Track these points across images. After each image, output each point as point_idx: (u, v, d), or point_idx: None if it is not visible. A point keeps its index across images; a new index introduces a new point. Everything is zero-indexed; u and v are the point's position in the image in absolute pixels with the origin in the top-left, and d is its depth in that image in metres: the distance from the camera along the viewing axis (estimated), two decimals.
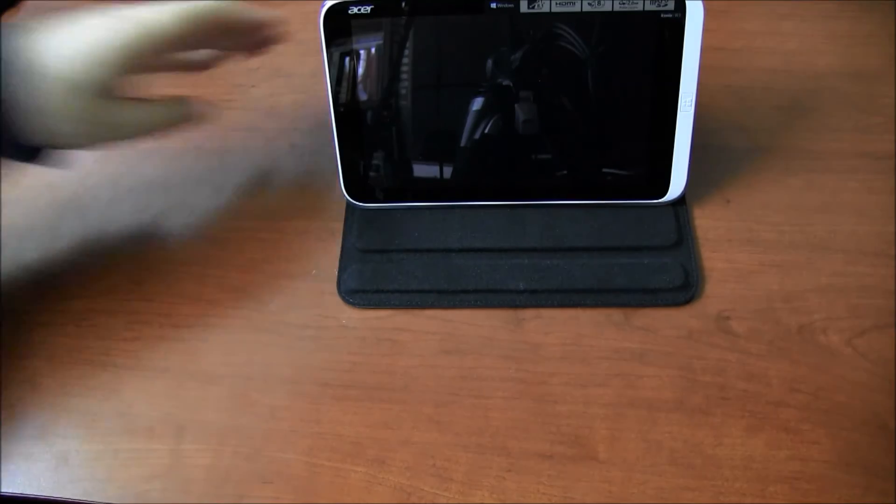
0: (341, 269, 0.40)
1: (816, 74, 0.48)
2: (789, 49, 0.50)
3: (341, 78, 0.40)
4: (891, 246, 0.39)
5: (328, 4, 0.38)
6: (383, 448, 0.34)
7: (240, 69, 0.45)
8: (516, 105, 0.40)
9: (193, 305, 0.40)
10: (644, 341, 0.37)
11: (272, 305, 0.40)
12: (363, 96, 0.40)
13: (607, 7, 0.37)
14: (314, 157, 0.45)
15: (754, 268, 0.39)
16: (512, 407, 0.35)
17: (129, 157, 0.41)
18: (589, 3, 0.37)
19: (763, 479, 0.32)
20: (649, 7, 0.37)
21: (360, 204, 0.43)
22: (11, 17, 0.59)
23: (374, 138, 0.41)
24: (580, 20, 0.38)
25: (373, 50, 0.39)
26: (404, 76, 0.40)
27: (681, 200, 0.42)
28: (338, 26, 0.38)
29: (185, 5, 0.35)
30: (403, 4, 0.38)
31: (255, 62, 0.42)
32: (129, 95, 0.35)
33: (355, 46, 0.39)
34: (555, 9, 0.37)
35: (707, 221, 0.41)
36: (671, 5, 0.37)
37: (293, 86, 0.48)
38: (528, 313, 0.38)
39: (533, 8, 0.37)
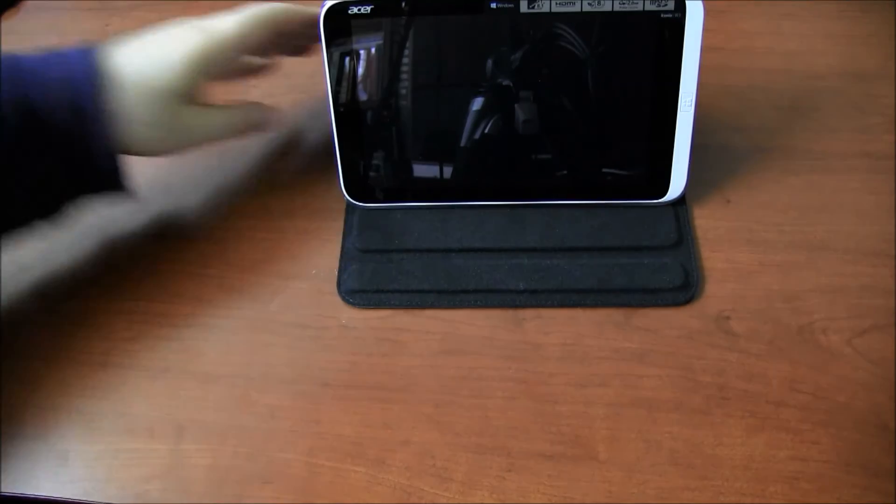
0: (341, 269, 0.40)
1: (816, 74, 0.48)
2: (789, 49, 0.50)
3: (341, 78, 0.40)
4: (891, 246, 0.39)
5: (328, 4, 0.38)
6: (383, 448, 0.34)
7: None
8: (516, 105, 0.40)
9: (193, 305, 0.40)
10: (644, 341, 0.37)
11: (272, 305, 0.40)
12: (363, 96, 0.40)
13: (607, 7, 0.37)
14: (314, 157, 0.45)
15: (754, 268, 0.39)
16: (512, 407, 0.35)
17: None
18: (589, 3, 0.37)
19: (763, 479, 0.32)
20: (649, 7, 0.37)
21: (360, 204, 0.43)
22: (11, 17, 0.59)
23: (374, 138, 0.41)
24: (580, 20, 0.38)
25: (373, 50, 0.39)
26: (404, 76, 0.40)
27: (681, 200, 0.42)
28: (338, 26, 0.38)
29: (244, 11, 0.38)
30: (403, 4, 0.38)
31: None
32: (205, 102, 0.38)
33: (355, 46, 0.39)
34: (555, 9, 0.37)
35: (707, 221, 0.41)
36: (671, 5, 0.37)
37: (293, 86, 0.48)
38: (528, 313, 0.38)
39: (533, 8, 0.37)
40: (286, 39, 0.40)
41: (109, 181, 0.37)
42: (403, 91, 0.40)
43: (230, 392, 0.37)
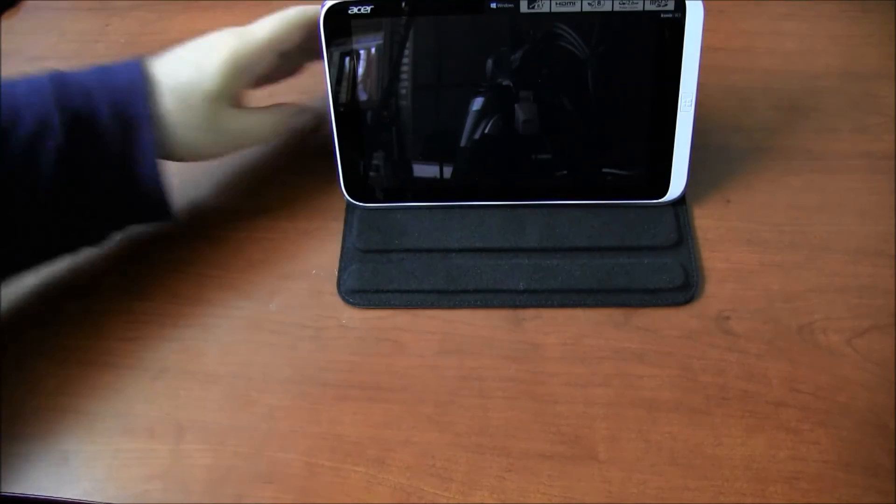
0: (341, 269, 0.40)
1: (816, 74, 0.48)
2: (789, 49, 0.50)
3: (341, 78, 0.40)
4: (891, 246, 0.39)
5: (328, 4, 0.38)
6: (383, 448, 0.34)
7: None
8: (516, 105, 0.40)
9: (193, 305, 0.40)
10: (644, 341, 0.37)
11: (272, 305, 0.40)
12: (363, 96, 0.40)
13: (607, 7, 0.37)
14: (314, 157, 0.45)
15: (754, 268, 0.39)
16: (512, 407, 0.35)
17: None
18: (589, 3, 0.37)
19: (763, 479, 0.32)
20: (649, 7, 0.37)
21: (360, 204, 0.43)
22: (11, 17, 0.60)
23: (374, 138, 0.41)
24: (580, 20, 0.38)
25: (373, 50, 0.39)
26: (404, 76, 0.40)
27: (681, 200, 0.42)
28: (338, 26, 0.38)
29: (277, 14, 0.39)
30: (403, 4, 0.38)
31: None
32: (246, 104, 0.40)
33: (355, 46, 0.39)
34: (555, 9, 0.37)
35: (707, 221, 0.41)
36: (671, 5, 0.37)
37: (293, 86, 0.48)
38: (528, 313, 0.38)
39: (533, 8, 0.37)
40: (315, 43, 0.41)
41: (154, 192, 0.38)
42: (403, 91, 0.40)
43: (230, 392, 0.37)
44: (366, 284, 0.39)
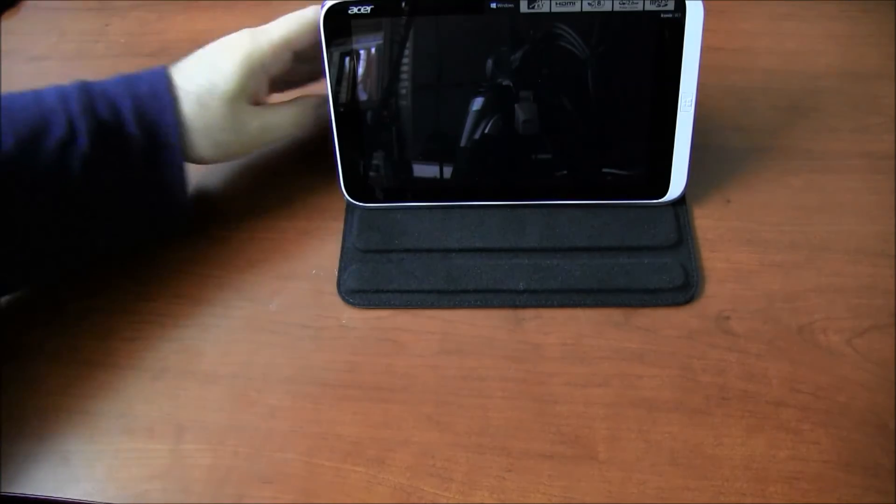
0: (341, 269, 0.40)
1: (816, 74, 0.48)
2: (789, 49, 0.50)
3: (341, 78, 0.40)
4: (891, 246, 0.39)
5: (328, 4, 0.38)
6: (383, 448, 0.34)
7: None
8: (516, 105, 0.40)
9: (193, 305, 0.40)
10: (644, 341, 0.37)
11: (272, 305, 0.40)
12: (363, 96, 0.40)
13: (607, 7, 0.37)
14: (314, 157, 0.45)
15: (754, 268, 0.39)
16: (512, 407, 0.35)
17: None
18: (589, 3, 0.37)
19: (763, 479, 0.32)
20: (649, 7, 0.37)
21: (360, 204, 0.43)
22: (11, 17, 0.60)
23: (374, 138, 0.41)
24: (580, 20, 0.38)
25: (373, 50, 0.39)
26: (404, 76, 0.40)
27: (681, 200, 0.42)
28: (338, 26, 0.38)
29: (292, 14, 0.39)
30: (403, 4, 0.38)
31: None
32: (266, 102, 0.41)
33: (355, 46, 0.39)
34: (555, 9, 0.37)
35: (707, 221, 0.41)
36: (671, 5, 0.37)
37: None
38: (528, 313, 0.38)
39: (533, 8, 0.37)
40: None
41: (177, 195, 0.39)
42: (403, 91, 0.40)
43: (230, 392, 0.37)
44: (366, 284, 0.40)
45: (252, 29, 0.39)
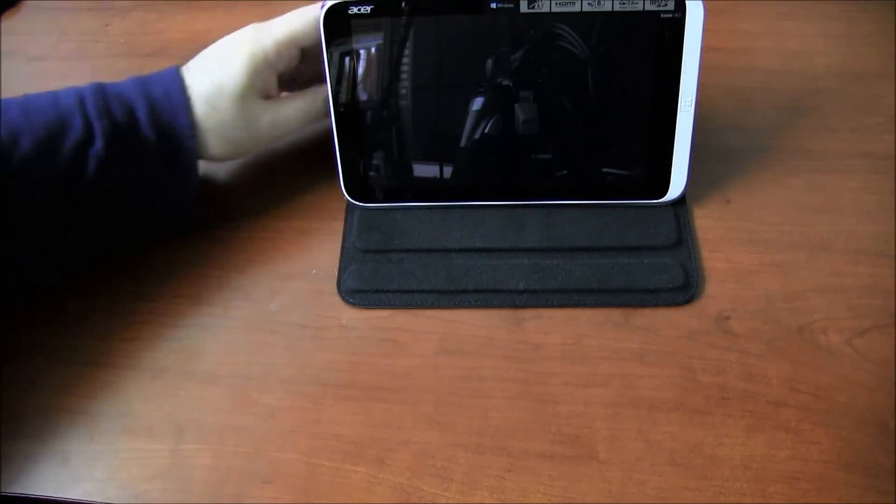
0: (341, 269, 0.40)
1: (816, 74, 0.48)
2: (789, 49, 0.50)
3: (341, 78, 0.40)
4: (891, 246, 0.39)
5: (328, 4, 0.38)
6: (383, 448, 0.34)
7: None
8: (516, 105, 0.40)
9: (193, 305, 0.40)
10: (644, 341, 0.37)
11: (272, 305, 0.40)
12: (363, 96, 0.40)
13: (607, 7, 0.37)
14: (314, 157, 0.45)
15: (754, 268, 0.39)
16: (512, 407, 0.35)
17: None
18: (589, 3, 0.37)
19: (763, 479, 0.32)
20: (649, 7, 0.37)
21: (360, 204, 0.43)
22: (11, 17, 0.60)
23: (374, 138, 0.41)
24: (580, 20, 0.38)
25: (373, 50, 0.39)
26: (404, 76, 0.40)
27: (681, 200, 0.42)
28: (338, 26, 0.38)
29: (297, 10, 0.40)
30: (403, 4, 0.38)
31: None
32: (276, 96, 0.41)
33: (355, 46, 0.39)
34: (555, 9, 0.37)
35: (707, 221, 0.41)
36: (671, 5, 0.37)
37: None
38: (528, 313, 0.38)
39: (533, 8, 0.37)
40: None
41: (187, 196, 0.40)
42: (403, 91, 0.40)
43: (230, 392, 0.37)
44: (366, 284, 0.39)
45: (257, 25, 0.39)
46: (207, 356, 0.38)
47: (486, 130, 0.40)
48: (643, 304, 0.38)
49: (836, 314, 0.37)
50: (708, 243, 0.40)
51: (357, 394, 0.36)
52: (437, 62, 0.40)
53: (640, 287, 0.38)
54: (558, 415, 0.35)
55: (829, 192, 0.42)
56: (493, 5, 0.37)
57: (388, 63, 0.39)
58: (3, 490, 0.34)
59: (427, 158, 0.41)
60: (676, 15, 0.37)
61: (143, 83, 0.38)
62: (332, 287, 0.40)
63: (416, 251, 0.41)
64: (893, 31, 0.50)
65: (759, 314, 0.37)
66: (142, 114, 0.37)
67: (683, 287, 0.38)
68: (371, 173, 0.42)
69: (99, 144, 0.35)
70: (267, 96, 0.40)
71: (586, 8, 0.37)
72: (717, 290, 0.39)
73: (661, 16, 0.37)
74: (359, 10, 0.38)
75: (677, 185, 0.41)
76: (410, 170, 0.42)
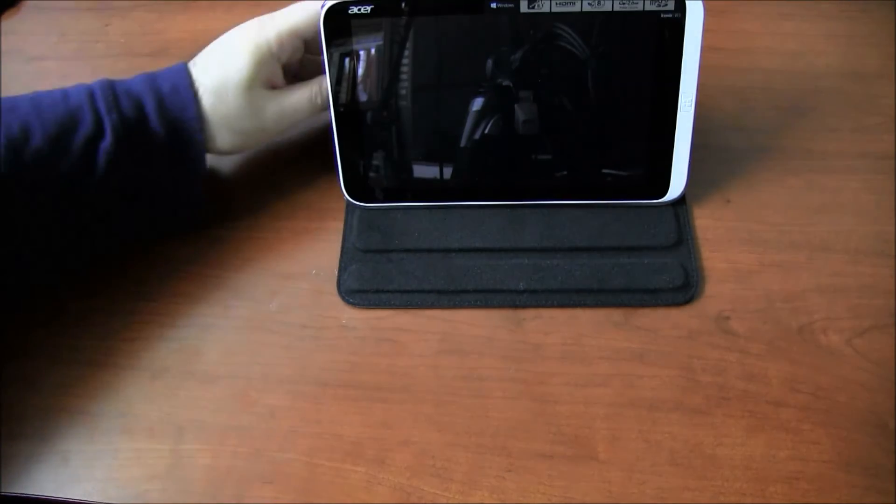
0: (341, 269, 0.40)
1: (816, 74, 0.48)
2: (789, 49, 0.50)
3: (341, 78, 0.40)
4: (891, 246, 0.39)
5: (328, 4, 0.38)
6: (383, 448, 0.34)
7: None
8: (516, 105, 0.40)
9: (193, 305, 0.40)
10: (644, 341, 0.37)
11: (272, 305, 0.40)
12: (363, 96, 0.40)
13: (607, 7, 0.37)
14: (314, 157, 0.45)
15: (754, 268, 0.39)
16: (512, 407, 0.35)
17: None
18: (589, 3, 0.37)
19: (763, 479, 0.32)
20: (649, 7, 0.37)
21: (360, 204, 0.43)
22: (11, 17, 0.59)
23: (374, 138, 0.41)
24: (580, 20, 0.38)
25: (373, 50, 0.39)
26: (404, 76, 0.40)
27: (681, 200, 0.42)
28: (338, 26, 0.38)
29: (301, 2, 0.40)
30: (403, 4, 0.38)
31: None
32: (281, 87, 0.41)
33: (355, 46, 0.39)
34: (555, 9, 0.37)
35: (707, 221, 0.41)
36: (671, 5, 0.37)
37: None
38: (528, 313, 0.38)
39: (533, 8, 0.37)
40: None
41: (194, 191, 0.40)
42: (403, 91, 0.40)
43: (230, 392, 0.37)
44: (366, 284, 0.39)
45: (260, 17, 0.40)
46: (207, 356, 0.38)
47: (486, 130, 0.40)
48: (643, 304, 0.38)
49: (836, 314, 0.37)
50: (708, 243, 0.40)
51: (357, 394, 0.36)
52: (437, 62, 0.40)
53: (640, 287, 0.38)
54: (558, 415, 0.35)
55: (829, 192, 0.42)
56: (493, 5, 0.37)
57: (388, 63, 0.39)
58: (3, 490, 0.34)
59: (427, 158, 0.41)
60: (676, 15, 0.37)
61: (152, 78, 0.38)
62: (332, 287, 0.40)
63: (416, 251, 0.41)
64: (893, 31, 0.50)
65: (759, 314, 0.37)
66: (150, 108, 0.37)
67: (683, 287, 0.38)
68: (371, 173, 0.42)
69: (109, 139, 0.36)
70: (272, 87, 0.40)
71: (586, 8, 0.37)
72: (717, 290, 0.39)
73: (661, 16, 0.37)
74: (359, 10, 0.38)
75: (677, 185, 0.41)
76: (410, 170, 0.42)
